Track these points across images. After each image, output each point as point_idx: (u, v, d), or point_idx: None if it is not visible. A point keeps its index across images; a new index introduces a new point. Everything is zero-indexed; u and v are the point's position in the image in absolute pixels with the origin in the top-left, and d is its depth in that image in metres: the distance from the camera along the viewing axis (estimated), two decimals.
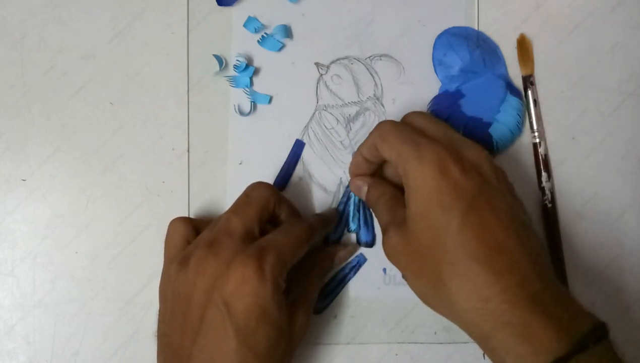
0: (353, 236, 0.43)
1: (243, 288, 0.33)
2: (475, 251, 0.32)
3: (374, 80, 0.44)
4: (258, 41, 0.43)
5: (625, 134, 0.44)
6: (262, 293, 0.33)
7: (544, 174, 0.43)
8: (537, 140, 0.44)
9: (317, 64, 0.44)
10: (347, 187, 0.43)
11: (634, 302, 0.44)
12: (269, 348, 0.34)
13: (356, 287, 0.43)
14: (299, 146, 0.43)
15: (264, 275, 0.33)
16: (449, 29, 0.44)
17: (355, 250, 0.43)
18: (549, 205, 0.43)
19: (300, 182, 0.44)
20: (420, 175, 0.34)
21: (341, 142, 0.44)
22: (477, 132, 0.43)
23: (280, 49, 0.44)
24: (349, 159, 0.43)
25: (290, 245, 0.36)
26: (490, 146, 0.43)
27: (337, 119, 0.44)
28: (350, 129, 0.44)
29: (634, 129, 0.45)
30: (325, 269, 0.41)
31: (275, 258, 0.34)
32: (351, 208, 0.43)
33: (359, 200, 0.43)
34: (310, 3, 0.44)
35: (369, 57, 0.44)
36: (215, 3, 0.43)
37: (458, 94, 0.43)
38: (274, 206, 0.38)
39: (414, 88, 0.44)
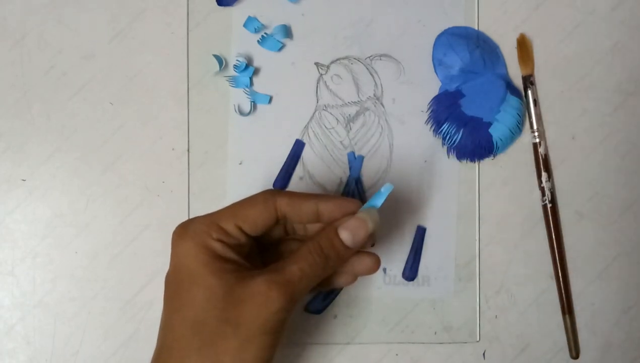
0: None
1: (173, 251, 0.33)
2: None
3: (374, 80, 0.44)
4: (258, 41, 0.43)
5: (625, 134, 0.44)
6: (183, 252, 0.33)
7: (544, 174, 0.43)
8: (537, 140, 0.44)
9: (317, 64, 0.44)
10: (346, 186, 0.44)
11: (634, 302, 0.44)
12: (196, 310, 0.32)
13: (356, 287, 0.43)
14: (299, 146, 0.43)
15: (185, 236, 0.33)
16: (449, 28, 0.44)
17: (372, 217, 0.34)
18: (549, 205, 0.43)
19: (300, 182, 0.44)
20: None
21: (341, 142, 0.44)
22: (477, 132, 0.43)
23: (280, 49, 0.44)
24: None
25: (232, 213, 0.34)
26: (490, 146, 0.43)
27: (337, 119, 0.44)
28: (350, 129, 0.44)
29: (634, 129, 0.45)
30: (321, 245, 0.33)
31: (202, 219, 0.34)
32: None
33: (359, 200, 0.43)
34: (310, 3, 0.44)
35: (369, 57, 0.44)
36: (215, 3, 0.43)
37: (458, 94, 0.43)
38: (275, 212, 0.34)
39: (414, 88, 0.44)
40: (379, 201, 0.35)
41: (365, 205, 0.35)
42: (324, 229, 0.34)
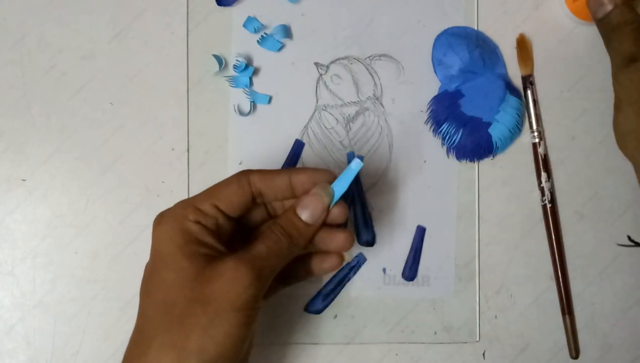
0: None
1: (152, 239, 0.34)
2: None
3: (374, 80, 0.44)
4: (258, 41, 0.43)
5: None
6: (160, 236, 0.33)
7: (543, 174, 0.43)
8: (537, 140, 0.44)
9: (316, 64, 0.44)
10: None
11: (634, 302, 0.44)
12: (166, 291, 0.32)
13: (356, 287, 0.43)
14: (298, 146, 0.44)
15: (162, 221, 0.33)
16: (449, 29, 0.44)
17: (327, 191, 0.35)
18: (549, 205, 0.43)
19: None
20: None
21: (341, 142, 0.44)
22: (476, 132, 0.43)
23: (280, 49, 0.44)
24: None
25: (208, 194, 0.35)
26: (490, 146, 0.43)
27: (336, 119, 0.44)
28: (350, 129, 0.44)
29: None
30: (282, 225, 0.35)
31: (179, 204, 0.34)
32: (350, 207, 0.43)
33: (359, 199, 0.43)
34: (310, 3, 0.44)
35: (369, 57, 0.44)
36: (215, 3, 0.43)
37: (457, 94, 0.43)
38: (249, 189, 0.35)
39: (414, 88, 0.44)
40: (348, 177, 0.35)
41: (336, 181, 0.35)
42: (285, 210, 0.35)
